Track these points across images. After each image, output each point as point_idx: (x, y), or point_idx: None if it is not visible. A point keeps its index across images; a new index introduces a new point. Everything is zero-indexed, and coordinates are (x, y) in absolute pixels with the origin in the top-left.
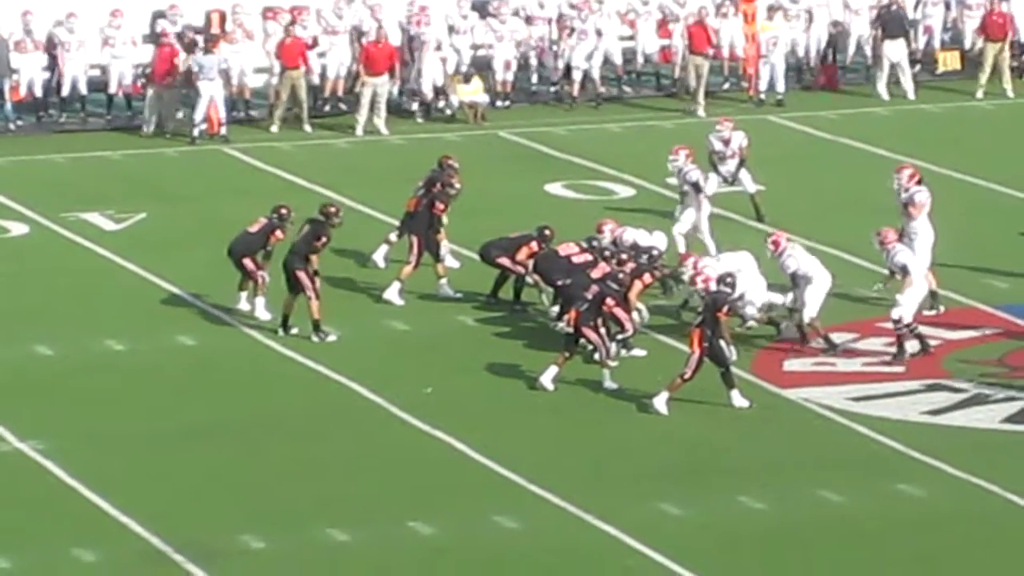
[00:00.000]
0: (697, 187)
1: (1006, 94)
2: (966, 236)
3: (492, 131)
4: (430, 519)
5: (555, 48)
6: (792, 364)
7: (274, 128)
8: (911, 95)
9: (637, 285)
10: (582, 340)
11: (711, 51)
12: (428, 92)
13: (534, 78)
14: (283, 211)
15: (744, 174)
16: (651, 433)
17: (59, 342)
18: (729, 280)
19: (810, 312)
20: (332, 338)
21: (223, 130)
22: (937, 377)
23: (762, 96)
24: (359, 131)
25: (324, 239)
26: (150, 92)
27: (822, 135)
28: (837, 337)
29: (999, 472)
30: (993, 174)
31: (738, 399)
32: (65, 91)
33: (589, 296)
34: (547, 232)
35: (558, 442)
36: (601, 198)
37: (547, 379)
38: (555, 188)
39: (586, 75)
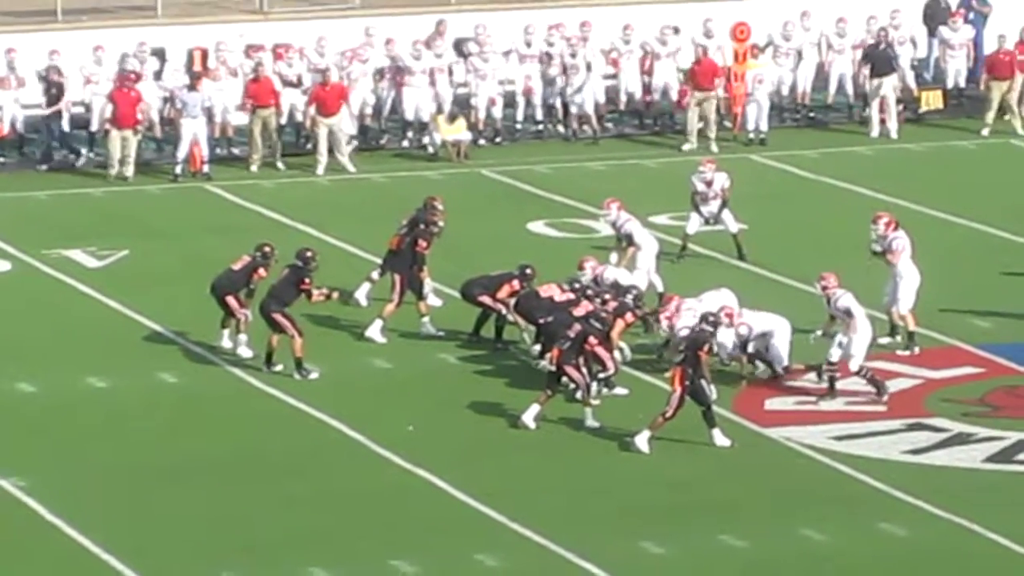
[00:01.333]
0: (630, 239)
1: (1016, 132)
2: (948, 275)
3: (474, 169)
4: (412, 557)
5: (553, 86)
6: (773, 403)
7: (254, 168)
8: (894, 134)
9: (619, 324)
10: (564, 379)
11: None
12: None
13: (519, 115)
14: (266, 249)
15: (726, 214)
16: (632, 471)
17: (41, 379)
18: (711, 319)
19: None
20: (314, 376)
21: (206, 168)
22: (919, 416)
23: (750, 135)
24: (320, 170)
25: (307, 282)
26: (112, 134)
27: (805, 174)
28: (815, 377)
29: (981, 512)
30: (975, 213)
31: (720, 438)
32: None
33: (571, 334)
34: (528, 271)
35: (540, 480)
36: (583, 236)
37: (529, 417)
38: (537, 226)
39: (581, 111)
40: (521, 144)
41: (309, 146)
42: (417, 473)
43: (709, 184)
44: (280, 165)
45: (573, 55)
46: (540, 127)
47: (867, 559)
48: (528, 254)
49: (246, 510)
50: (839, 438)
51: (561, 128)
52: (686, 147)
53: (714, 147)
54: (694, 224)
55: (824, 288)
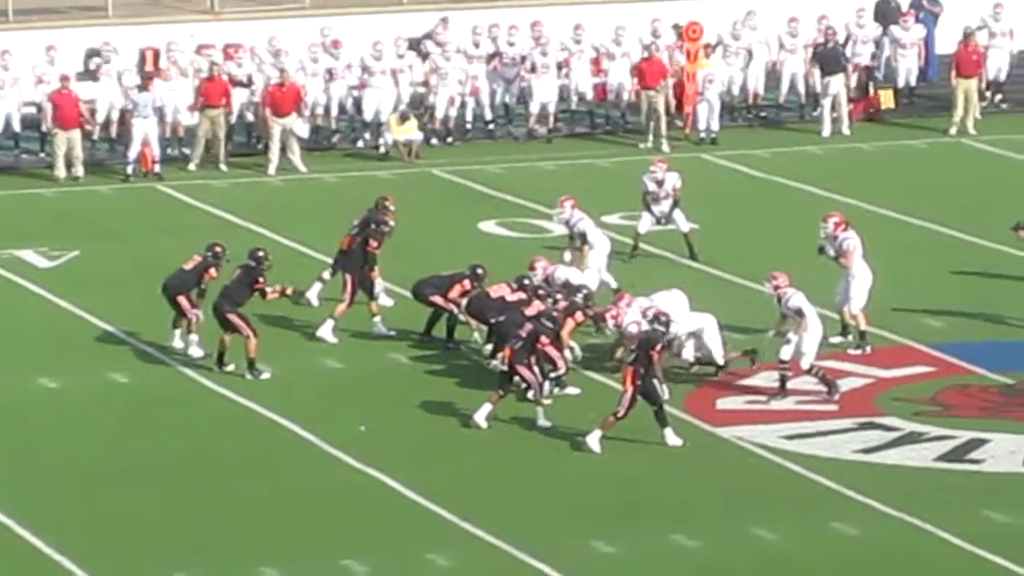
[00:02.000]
0: (584, 238)
1: (968, 132)
2: (900, 275)
3: (426, 169)
4: (363, 557)
5: (510, 85)
6: (725, 403)
7: (192, 167)
8: (846, 130)
9: (570, 323)
10: (516, 378)
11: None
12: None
13: (468, 115)
14: (217, 249)
15: (678, 213)
16: (584, 471)
17: None
18: (663, 319)
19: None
20: (266, 376)
21: (157, 168)
22: (870, 415)
23: (702, 135)
24: (271, 170)
25: (260, 281)
26: (59, 135)
27: (756, 173)
28: (768, 376)
29: (932, 510)
30: (927, 213)
31: (671, 438)
32: None
33: (523, 334)
34: (479, 271)
35: (491, 479)
36: (535, 236)
37: (481, 417)
38: (488, 226)
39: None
40: (473, 144)
41: (260, 146)
42: (368, 473)
43: (660, 184)
44: (223, 167)
45: (544, 54)
46: (491, 127)
47: (819, 558)
48: (479, 254)
49: (198, 510)
50: (790, 437)
51: (512, 129)
52: (642, 145)
53: (665, 146)
54: (645, 224)
55: (775, 287)
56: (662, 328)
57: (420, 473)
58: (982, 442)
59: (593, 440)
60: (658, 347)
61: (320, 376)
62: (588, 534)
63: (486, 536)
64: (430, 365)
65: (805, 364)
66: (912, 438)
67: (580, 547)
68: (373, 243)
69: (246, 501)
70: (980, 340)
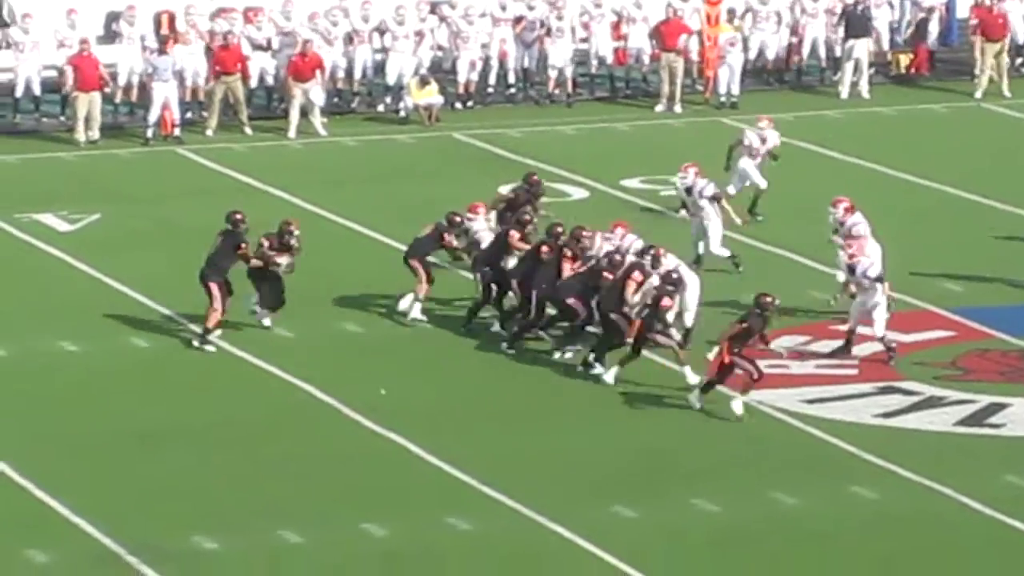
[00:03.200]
0: (715, 198)
1: (1003, 94)
2: (920, 239)
3: (446, 133)
4: (383, 521)
5: (530, 50)
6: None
7: (209, 132)
8: (865, 94)
9: (631, 284)
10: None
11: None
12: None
13: (491, 79)
14: (237, 216)
15: (757, 170)
16: (605, 436)
17: (12, 343)
18: (675, 276)
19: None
20: (210, 349)
21: (177, 131)
22: (890, 380)
23: (722, 98)
24: (291, 133)
25: (243, 246)
26: (80, 98)
27: None
28: (789, 340)
29: (952, 475)
30: (947, 177)
31: (691, 376)
32: (19, 91)
33: (649, 301)
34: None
35: (512, 445)
36: (554, 200)
37: (611, 376)
38: (509, 190)
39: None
40: (493, 108)
41: (282, 108)
42: (389, 437)
43: (764, 141)
44: (247, 130)
45: (559, 18)
46: (512, 91)
47: (838, 522)
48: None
49: (217, 474)
50: (811, 401)
51: (533, 92)
52: (658, 108)
53: (678, 107)
54: (753, 178)
55: (852, 256)
56: (670, 287)
57: (440, 437)
58: (1002, 406)
59: (737, 405)
60: (665, 300)
61: (340, 340)
62: (609, 499)
63: (507, 500)
64: (451, 331)
65: (879, 332)
66: (932, 403)
67: (601, 512)
68: (515, 234)
69: (266, 465)
70: (1000, 305)
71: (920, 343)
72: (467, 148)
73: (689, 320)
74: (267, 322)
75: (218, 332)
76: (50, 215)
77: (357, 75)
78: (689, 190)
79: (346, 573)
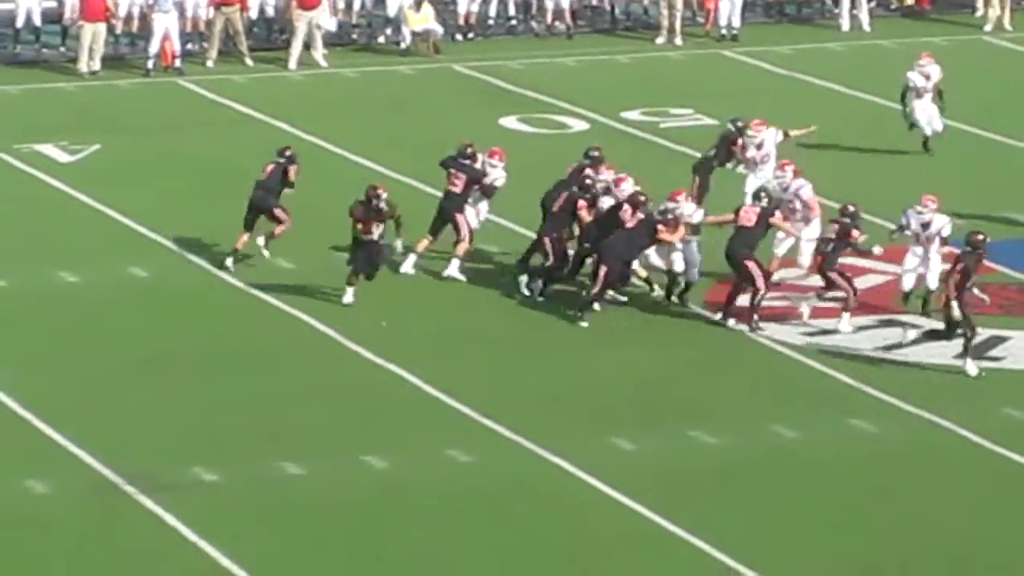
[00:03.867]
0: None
1: (1004, 27)
2: (920, 173)
3: (447, 65)
4: (383, 453)
5: None
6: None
7: (209, 63)
8: (866, 27)
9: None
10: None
11: None
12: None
13: (491, 10)
14: (288, 152)
15: (935, 109)
16: (603, 369)
17: (12, 273)
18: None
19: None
20: (265, 253)
21: (177, 62)
22: (890, 313)
23: (723, 31)
24: (292, 64)
25: (295, 169)
26: (85, 27)
27: (777, 70)
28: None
29: (951, 408)
30: (948, 111)
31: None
32: (19, 22)
33: (832, 235)
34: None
35: (512, 377)
36: (555, 132)
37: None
38: (509, 122)
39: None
40: (494, 40)
41: (283, 39)
42: (389, 368)
43: (928, 78)
44: (248, 61)
45: None
46: (513, 22)
47: (837, 455)
48: (501, 149)
49: (216, 405)
50: (811, 334)
51: (534, 24)
52: (659, 40)
53: (678, 40)
54: (928, 122)
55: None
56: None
57: (440, 369)
58: (1002, 340)
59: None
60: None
61: (340, 272)
62: (608, 431)
63: (506, 432)
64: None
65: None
66: (932, 336)
67: (600, 444)
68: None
69: (266, 396)
70: (1000, 238)
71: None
72: (467, 80)
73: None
74: (266, 253)
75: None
76: (50, 146)
77: (356, 6)
78: (785, 189)
79: (346, 504)
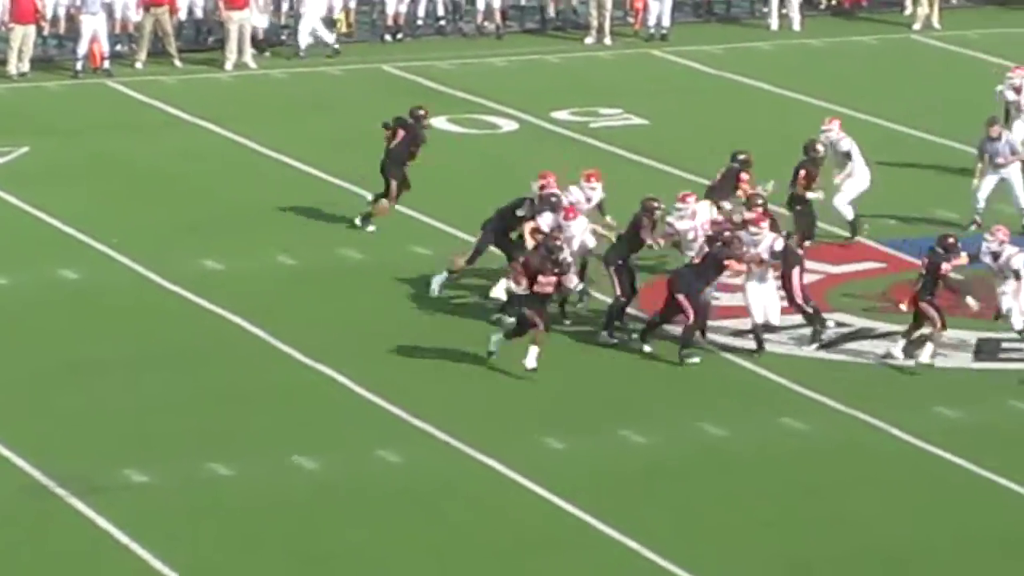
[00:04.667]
0: (848, 156)
1: (932, 26)
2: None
3: (377, 65)
4: (313, 453)
5: None
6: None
7: (138, 65)
8: (796, 26)
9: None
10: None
11: None
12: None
13: (420, 11)
14: (420, 112)
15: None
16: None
17: None
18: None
19: None
20: (371, 229)
21: (106, 64)
22: (821, 312)
23: (651, 30)
24: (228, 66)
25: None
26: (16, 30)
27: (706, 70)
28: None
29: (882, 406)
30: (878, 109)
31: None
32: None
33: (923, 270)
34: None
35: (442, 377)
36: (485, 132)
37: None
38: (439, 122)
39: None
40: (423, 40)
41: (211, 40)
42: (319, 369)
43: (1018, 91)
44: (177, 63)
45: None
46: (442, 23)
47: (766, 453)
48: (431, 150)
49: (147, 406)
50: (740, 333)
51: (464, 24)
52: (588, 40)
53: (608, 40)
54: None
55: (1000, 243)
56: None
57: (370, 370)
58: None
59: (926, 355)
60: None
61: (271, 273)
62: (538, 430)
63: (437, 433)
64: (383, 262)
65: (1018, 324)
66: (862, 334)
67: (531, 444)
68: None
69: (195, 397)
70: (930, 235)
71: (850, 274)
72: (397, 81)
73: None
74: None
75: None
76: None
77: (285, 7)
78: (831, 144)
79: (276, 506)
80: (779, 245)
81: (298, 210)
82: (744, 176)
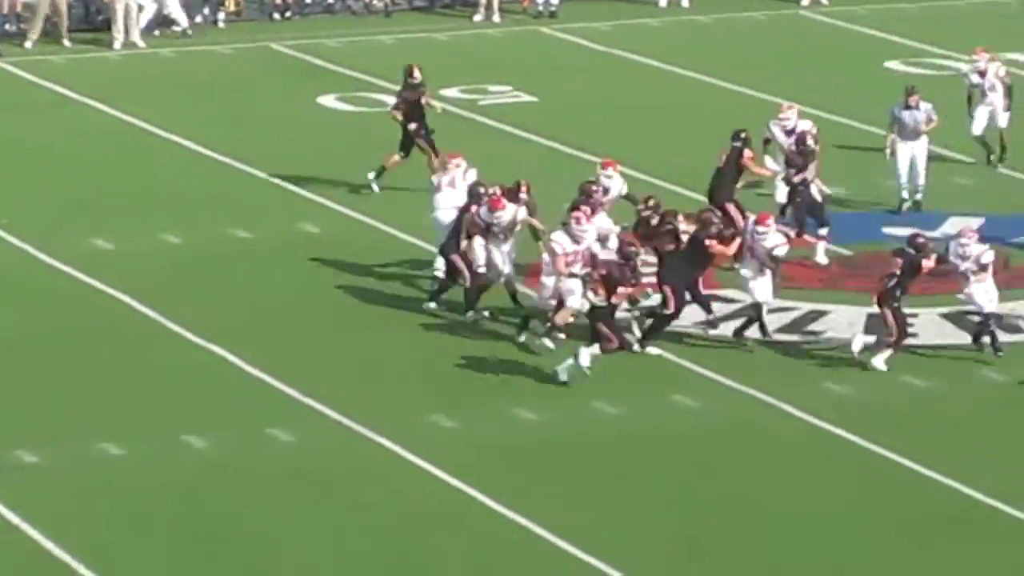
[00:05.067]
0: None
1: (820, 2)
2: None
3: (264, 44)
4: (204, 433)
5: None
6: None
7: (28, 44)
8: (684, 2)
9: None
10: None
11: None
12: None
13: None
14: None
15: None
16: (425, 347)
17: None
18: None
19: None
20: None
21: None
22: (710, 288)
23: (540, 8)
24: (116, 46)
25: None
26: None
27: (595, 47)
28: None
29: (773, 382)
30: (768, 85)
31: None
32: None
33: (896, 271)
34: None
35: (333, 356)
36: (374, 110)
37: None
38: (328, 100)
39: None
40: (311, 18)
41: (100, 19)
42: (209, 348)
43: (983, 74)
44: (67, 42)
45: None
46: (331, 1)
47: (659, 431)
48: (319, 128)
49: (37, 386)
50: (629, 310)
51: (352, 2)
52: (477, 18)
53: (496, 17)
54: (980, 124)
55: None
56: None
57: (261, 349)
58: (821, 314)
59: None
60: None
61: (159, 252)
62: (429, 409)
63: (328, 411)
64: (270, 243)
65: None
66: (752, 310)
67: (422, 422)
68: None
69: (85, 377)
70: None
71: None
72: (285, 59)
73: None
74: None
75: None
76: None
77: None
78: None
79: (168, 485)
80: (782, 251)
81: (187, 189)
82: (748, 153)
